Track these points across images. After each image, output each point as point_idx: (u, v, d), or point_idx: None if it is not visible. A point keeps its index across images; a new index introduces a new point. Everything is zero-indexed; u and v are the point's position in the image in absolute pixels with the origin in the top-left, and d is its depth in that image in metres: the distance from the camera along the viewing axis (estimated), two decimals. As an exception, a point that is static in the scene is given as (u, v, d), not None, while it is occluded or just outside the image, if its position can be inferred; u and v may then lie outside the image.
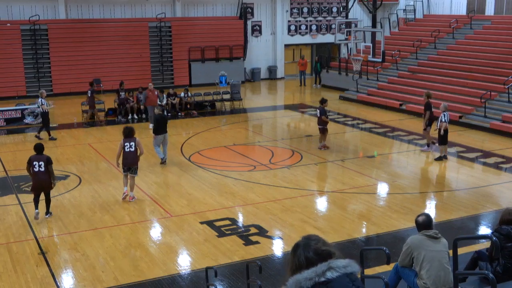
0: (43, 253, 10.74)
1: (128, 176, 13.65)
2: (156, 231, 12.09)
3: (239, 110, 25.49)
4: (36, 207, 12.21)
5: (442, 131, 16.41)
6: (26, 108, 22.61)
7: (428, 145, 18.14)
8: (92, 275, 9.81)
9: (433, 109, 17.72)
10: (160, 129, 16.47)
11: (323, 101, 18.35)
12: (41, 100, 19.91)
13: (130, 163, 13.56)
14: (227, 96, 26.15)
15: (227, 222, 12.26)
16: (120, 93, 23.55)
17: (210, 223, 12.10)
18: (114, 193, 14.35)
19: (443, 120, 16.44)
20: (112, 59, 29.99)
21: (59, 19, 29.65)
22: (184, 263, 10.50)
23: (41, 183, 12.22)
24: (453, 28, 29.08)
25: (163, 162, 16.76)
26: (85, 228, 11.95)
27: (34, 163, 12.17)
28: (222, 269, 9.76)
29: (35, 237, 11.50)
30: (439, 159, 16.81)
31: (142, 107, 23.28)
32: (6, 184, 15.09)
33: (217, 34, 32.50)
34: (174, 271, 10.06)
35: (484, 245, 9.50)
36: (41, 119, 20.57)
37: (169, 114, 22.91)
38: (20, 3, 28.91)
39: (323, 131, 18.22)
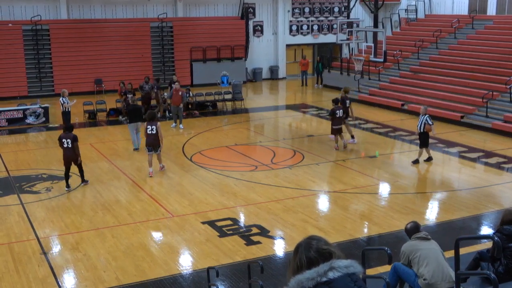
0: (44, 253, 10.75)
1: (153, 155, 15.64)
2: (157, 231, 12.08)
3: (241, 110, 25.49)
4: (67, 184, 14.48)
5: (434, 132, 16.29)
6: (28, 108, 22.62)
7: (352, 136, 19.05)
8: (94, 275, 9.82)
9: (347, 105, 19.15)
10: (132, 118, 18.05)
11: (337, 101, 18.43)
12: (63, 99, 19.79)
13: (152, 144, 15.48)
14: (229, 96, 26.15)
15: (229, 222, 12.26)
16: (128, 95, 23.08)
17: (211, 223, 12.11)
18: (116, 193, 14.36)
19: (430, 122, 16.25)
20: (113, 59, 30.00)
21: (60, 19, 29.67)
22: (186, 263, 10.51)
23: (68, 157, 14.38)
24: (455, 28, 29.05)
25: (135, 149, 18.12)
26: (86, 228, 11.96)
27: (63, 140, 14.37)
28: (223, 269, 9.76)
29: (37, 237, 11.51)
30: (416, 162, 16.53)
31: (168, 101, 23.20)
32: (8, 184, 15.10)
33: (218, 34, 32.49)
34: (176, 271, 10.06)
35: (486, 245, 9.49)
36: (62, 118, 20.23)
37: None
38: (22, 3, 28.93)
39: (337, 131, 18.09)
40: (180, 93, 21.52)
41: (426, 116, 16.33)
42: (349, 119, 19.76)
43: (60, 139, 14.48)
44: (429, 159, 16.64)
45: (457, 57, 26.52)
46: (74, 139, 14.35)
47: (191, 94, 24.82)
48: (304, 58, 33.84)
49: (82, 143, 19.46)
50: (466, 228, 11.89)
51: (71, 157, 14.35)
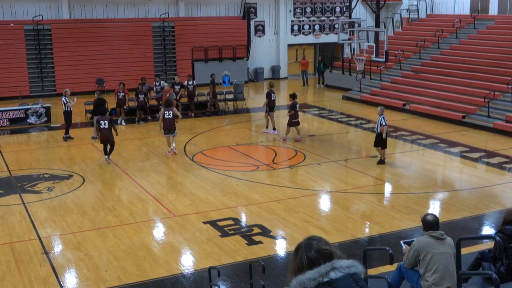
0: (46, 252, 10.76)
1: (171, 138, 17.58)
2: (159, 231, 12.10)
3: (242, 110, 25.48)
4: (105, 154, 16.97)
5: (384, 135, 16.17)
6: (30, 108, 22.63)
7: (274, 128, 20.29)
8: (95, 275, 9.82)
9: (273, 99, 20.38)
10: (98, 111, 18.68)
11: (294, 96, 19.39)
12: (65, 98, 19.77)
13: (169, 127, 17.50)
14: (230, 96, 26.14)
15: (230, 222, 12.26)
16: (139, 95, 22.76)
17: (213, 223, 12.11)
18: (118, 192, 14.38)
19: (383, 123, 16.08)
20: (115, 59, 30.01)
21: (62, 19, 29.70)
22: (187, 263, 10.51)
23: (106, 136, 16.75)
24: (456, 28, 29.03)
25: (93, 138, 19.49)
26: (88, 228, 11.97)
27: (101, 122, 16.79)
28: (225, 269, 9.76)
29: (39, 236, 11.52)
30: (381, 162, 16.40)
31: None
32: (9, 184, 15.11)
33: (220, 34, 32.50)
34: (177, 271, 10.07)
35: (488, 245, 9.49)
36: (63, 117, 20.18)
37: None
38: (24, 3, 28.95)
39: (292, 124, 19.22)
40: (168, 94, 21.35)
41: (382, 116, 16.19)
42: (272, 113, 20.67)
43: (98, 121, 16.99)
44: (382, 161, 16.40)
45: (459, 57, 26.50)
46: (110, 121, 16.93)
47: (193, 83, 24.54)
48: (304, 58, 33.83)
49: (84, 142, 19.53)
50: (468, 228, 11.88)
51: (107, 135, 16.74)
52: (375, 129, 16.49)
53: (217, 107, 24.89)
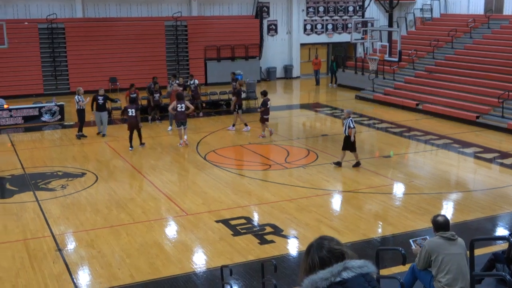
0: (59, 250, 10.83)
1: (182, 130, 18.33)
2: (171, 229, 12.14)
3: (255, 109, 25.45)
4: (131, 144, 18.04)
5: (353, 138, 15.95)
6: (43, 106, 22.78)
7: (246, 124, 21.05)
8: (108, 272, 9.88)
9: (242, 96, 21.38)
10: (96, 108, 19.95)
11: (265, 93, 20.20)
12: (78, 97, 19.87)
13: (181, 119, 18.28)
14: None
15: (243, 221, 12.27)
16: (155, 94, 22.79)
17: (225, 222, 12.13)
18: (130, 191, 14.44)
19: (351, 126, 15.79)
20: (128, 57, 30.13)
21: (76, 17, 29.87)
22: (200, 261, 10.54)
23: (132, 123, 17.80)
24: (470, 28, 28.85)
25: (99, 133, 20.26)
26: (101, 226, 12.03)
27: (129, 110, 17.90)
28: (237, 268, 9.78)
29: (52, 234, 11.60)
30: (357, 164, 16.10)
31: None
32: (24, 182, 15.22)
33: (233, 33, 32.54)
34: (190, 269, 10.10)
35: (501, 246, 9.44)
36: (76, 116, 20.33)
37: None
38: (38, 2, 29.15)
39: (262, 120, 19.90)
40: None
41: (350, 119, 15.92)
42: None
43: (125, 109, 18.25)
44: (357, 164, 16.12)
45: (473, 57, 26.34)
46: (137, 109, 18.11)
47: (194, 82, 24.42)
48: (316, 57, 33.78)
49: (96, 141, 19.63)
50: (481, 229, 11.81)
51: (134, 123, 17.80)
52: (343, 132, 16.06)
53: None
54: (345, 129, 15.93)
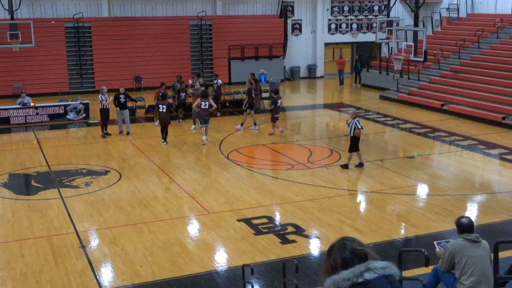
0: (83, 246, 10.94)
1: (205, 127, 18.49)
2: (193, 228, 12.18)
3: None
4: (162, 138, 18.70)
5: (362, 138, 15.67)
6: (69, 104, 23.03)
7: (255, 123, 21.04)
8: (131, 270, 9.94)
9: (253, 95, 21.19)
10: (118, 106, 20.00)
11: (276, 91, 20.62)
12: (101, 96, 19.97)
13: (205, 116, 18.39)
14: (266, 95, 26.13)
15: (264, 220, 12.26)
16: (181, 93, 22.77)
17: (247, 221, 12.13)
18: (154, 189, 14.52)
19: (359, 127, 15.62)
20: (153, 56, 30.31)
21: (102, 17, 30.14)
22: (221, 260, 10.56)
23: (164, 119, 18.46)
24: (497, 28, 28.46)
25: (120, 132, 20.35)
26: (124, 223, 12.12)
27: (160, 106, 18.54)
28: (258, 267, 9.77)
29: (76, 230, 11.72)
30: (360, 165, 15.96)
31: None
32: (49, 179, 15.40)
33: (257, 32, 32.55)
34: (211, 267, 10.12)
35: (527, 249, 9.29)
36: (99, 114, 20.45)
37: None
38: (65, 1, 29.47)
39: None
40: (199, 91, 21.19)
41: (356, 119, 15.77)
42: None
43: (157, 105, 19.02)
44: (360, 165, 16.00)
45: (499, 57, 25.99)
46: (168, 105, 18.91)
47: (194, 82, 24.22)
48: (340, 57, 33.63)
49: (120, 139, 19.79)
50: (506, 232, 11.65)
51: (165, 118, 18.43)
52: (349, 133, 15.93)
53: (259, 105, 24.84)
54: (351, 129, 15.78)
